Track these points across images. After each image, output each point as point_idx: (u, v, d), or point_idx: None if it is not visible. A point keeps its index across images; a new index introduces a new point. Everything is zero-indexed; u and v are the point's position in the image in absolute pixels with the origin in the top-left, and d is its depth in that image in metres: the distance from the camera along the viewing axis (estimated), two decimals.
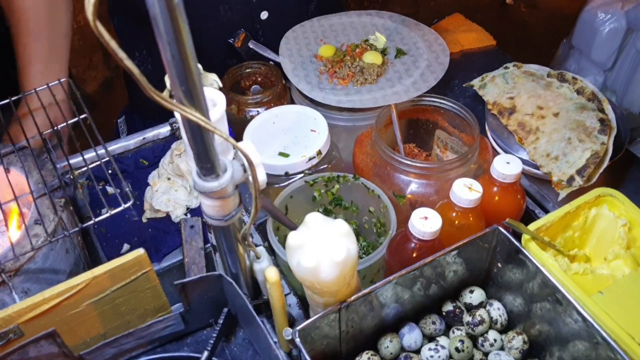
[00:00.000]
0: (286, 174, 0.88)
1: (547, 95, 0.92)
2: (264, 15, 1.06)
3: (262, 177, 0.57)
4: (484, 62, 1.05)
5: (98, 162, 0.83)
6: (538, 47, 2.25)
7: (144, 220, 0.93)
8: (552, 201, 0.89)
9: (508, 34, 2.93)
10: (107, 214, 0.75)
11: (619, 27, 1.44)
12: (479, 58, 1.14)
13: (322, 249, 0.60)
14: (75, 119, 0.86)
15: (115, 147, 1.01)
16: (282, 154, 0.88)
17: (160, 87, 1.04)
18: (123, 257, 0.69)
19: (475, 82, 1.01)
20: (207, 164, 0.53)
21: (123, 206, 0.76)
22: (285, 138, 0.90)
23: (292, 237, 0.61)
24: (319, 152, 0.88)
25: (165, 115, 1.03)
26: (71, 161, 0.85)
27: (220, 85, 0.63)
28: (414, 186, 0.85)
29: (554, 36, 2.31)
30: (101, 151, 1.01)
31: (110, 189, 0.98)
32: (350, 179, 0.87)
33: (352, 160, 0.92)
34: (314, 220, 0.64)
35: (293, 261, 0.62)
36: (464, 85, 1.04)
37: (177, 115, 0.50)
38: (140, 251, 0.70)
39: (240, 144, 0.59)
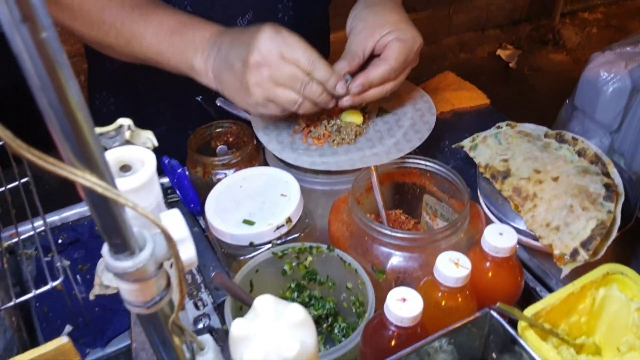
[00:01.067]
0: (251, 244, 0.78)
1: (545, 157, 0.82)
2: None
3: (187, 255, 0.47)
4: (477, 122, 0.96)
5: (31, 233, 0.73)
6: (541, 110, 2.18)
7: (92, 297, 0.83)
8: (556, 277, 0.78)
9: (511, 97, 2.89)
10: (32, 294, 0.65)
11: (624, 86, 1.37)
12: (472, 118, 1.06)
13: (271, 342, 0.50)
14: (15, 183, 0.77)
15: (69, 213, 0.92)
16: (246, 222, 0.78)
17: None
18: (43, 347, 0.58)
19: (466, 143, 0.92)
20: (115, 239, 0.43)
21: (50, 284, 0.66)
22: (252, 204, 0.81)
23: (236, 326, 0.51)
24: (289, 220, 0.78)
25: None
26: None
27: (155, 143, 0.54)
28: (395, 260, 0.74)
29: (558, 98, 2.25)
30: (52, 218, 0.93)
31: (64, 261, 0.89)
32: (324, 251, 0.77)
33: (328, 229, 0.82)
34: (264, 305, 0.53)
35: (236, 356, 0.51)
36: (453, 146, 0.95)
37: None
38: (64, 339, 0.59)
39: (164, 214, 0.49)
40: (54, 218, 0.92)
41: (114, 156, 0.52)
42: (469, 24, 3.30)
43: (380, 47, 0.85)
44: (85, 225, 0.93)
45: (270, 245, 0.79)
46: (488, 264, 0.69)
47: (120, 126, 0.53)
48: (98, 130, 0.53)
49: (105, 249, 0.45)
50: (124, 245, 0.44)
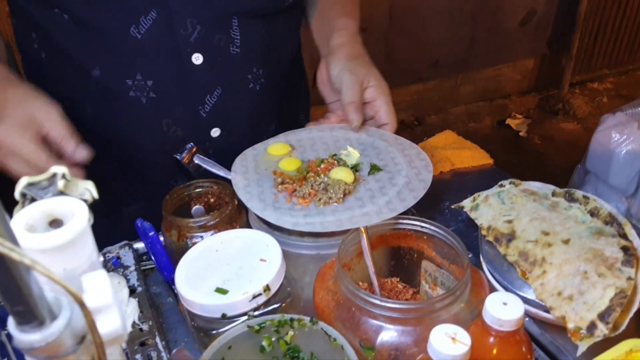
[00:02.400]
0: (224, 316, 0.69)
1: (554, 217, 0.74)
2: (215, 132, 0.94)
3: (110, 327, 0.39)
4: (480, 182, 0.89)
5: None
6: (553, 177, 2.11)
7: None
8: (572, 355, 0.67)
9: (521, 164, 2.82)
10: None
11: (637, 148, 1.29)
12: (474, 178, 0.98)
13: None
14: None
15: None
16: (219, 291, 0.70)
17: (166, 119, 0.93)
18: None
19: (466, 204, 0.84)
20: (17, 306, 0.36)
21: None
22: (228, 270, 0.73)
23: None
24: (267, 288, 0.70)
25: None
26: None
27: (95, 195, 0.47)
28: (386, 334, 0.65)
29: (570, 167, 2.17)
30: None
31: None
32: (307, 324, 0.68)
33: (313, 299, 0.73)
34: None
35: None
36: (452, 206, 0.87)
37: None
38: None
39: (86, 276, 0.41)
40: None
41: (41, 209, 0.45)
42: (477, 94, 3.29)
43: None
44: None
45: (246, 317, 0.70)
46: (491, 339, 0.60)
47: (54, 175, 0.46)
48: (28, 179, 0.47)
49: (9, 320, 0.37)
50: (29, 314, 0.36)
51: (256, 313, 0.71)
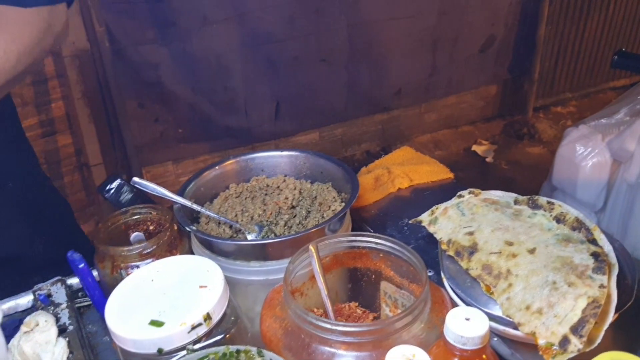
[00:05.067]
0: (160, 351, 0.62)
1: (517, 226, 0.69)
2: None
3: None
4: (440, 197, 0.83)
5: None
6: None
7: None
8: None
9: (491, 190, 2.80)
10: None
11: (603, 160, 1.26)
12: (434, 193, 0.93)
13: None
14: None
15: None
16: (154, 323, 0.62)
17: None
18: None
19: (424, 217, 0.78)
20: None
21: None
22: (164, 300, 0.65)
23: None
24: (208, 317, 0.63)
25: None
26: None
27: None
28: None
29: (538, 188, 2.15)
30: None
31: None
32: (254, 355, 0.61)
33: (260, 328, 0.66)
34: None
35: None
36: (409, 221, 0.81)
37: None
38: None
39: None
40: None
41: None
42: (441, 122, 3.29)
43: None
44: None
45: (185, 352, 0.63)
46: (456, 359, 0.53)
47: None
48: None
49: None
50: None
51: (197, 346, 0.63)
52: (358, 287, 0.77)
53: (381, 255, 0.71)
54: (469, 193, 0.76)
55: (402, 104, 3.00)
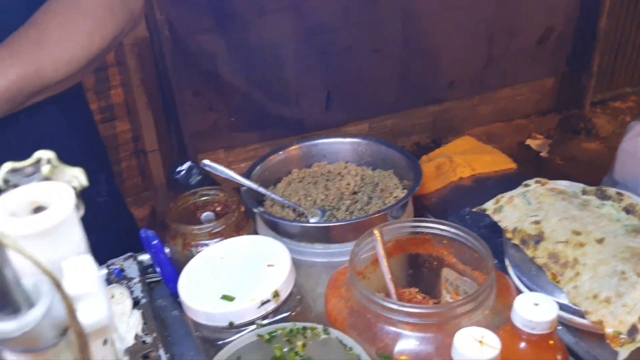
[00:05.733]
0: (231, 325, 0.64)
1: (585, 216, 0.68)
2: None
3: (94, 318, 0.34)
4: (503, 187, 0.83)
5: None
6: None
7: None
8: None
9: None
10: None
11: None
12: (496, 183, 0.93)
13: None
14: None
15: None
16: (225, 298, 0.65)
17: None
18: None
19: (488, 206, 0.78)
20: None
21: None
22: (234, 277, 0.68)
23: None
24: (276, 294, 0.65)
25: None
26: None
27: (84, 183, 0.44)
28: (405, 342, 0.60)
29: (594, 184, 2.09)
30: None
31: None
32: (320, 333, 0.63)
33: (325, 307, 0.68)
34: None
35: None
36: (473, 209, 0.82)
37: None
38: None
39: (68, 261, 0.37)
40: None
41: (24, 194, 0.41)
42: (495, 115, 3.23)
43: None
44: None
45: (254, 326, 0.65)
46: (522, 344, 0.54)
47: (38, 161, 0.43)
48: (10, 165, 0.43)
49: None
50: (2, 299, 0.32)
51: (265, 322, 0.66)
52: (419, 273, 0.78)
53: (445, 241, 0.71)
54: (536, 182, 0.76)
55: (455, 96, 2.97)
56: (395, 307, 0.60)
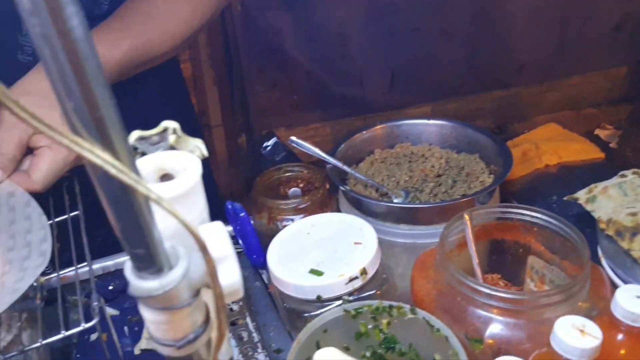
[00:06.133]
0: (318, 298, 0.66)
1: None
2: None
3: (229, 279, 0.36)
4: (591, 176, 0.81)
5: (72, 274, 0.65)
6: None
7: (137, 351, 0.73)
8: None
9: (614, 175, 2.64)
10: (60, 335, 0.56)
11: None
12: (584, 172, 0.90)
13: None
14: (65, 216, 0.70)
15: (124, 259, 0.84)
16: (314, 272, 0.67)
17: None
18: None
19: (581, 195, 0.77)
20: (138, 249, 0.33)
21: (83, 325, 0.56)
22: (321, 252, 0.69)
23: None
24: (364, 271, 0.66)
25: None
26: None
27: (205, 153, 0.45)
28: (496, 326, 0.60)
29: None
30: (106, 263, 0.85)
31: (110, 310, 0.80)
32: (406, 312, 0.63)
33: (410, 288, 0.69)
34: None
35: None
36: (564, 198, 0.80)
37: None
38: None
39: (203, 227, 0.39)
40: (108, 263, 0.84)
41: (153, 162, 0.43)
42: (563, 102, 3.12)
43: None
44: None
45: (339, 301, 0.66)
46: (620, 335, 0.53)
47: (165, 130, 0.44)
48: (138, 133, 0.45)
49: (127, 264, 0.35)
50: (149, 258, 0.34)
51: (351, 298, 0.67)
52: (502, 260, 0.77)
53: (535, 229, 0.70)
54: (633, 174, 0.74)
55: (523, 81, 2.88)
56: (488, 291, 0.59)
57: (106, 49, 0.77)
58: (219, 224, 0.39)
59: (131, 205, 0.32)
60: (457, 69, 2.85)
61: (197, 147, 0.45)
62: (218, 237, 0.37)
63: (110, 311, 0.80)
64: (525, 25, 2.72)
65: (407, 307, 0.64)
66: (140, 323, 0.78)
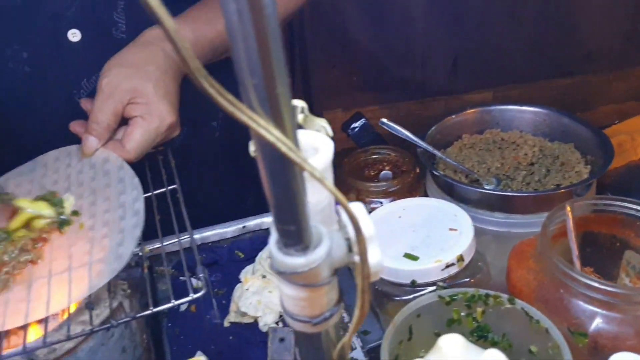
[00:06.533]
0: (413, 283, 0.66)
1: None
2: None
3: (375, 259, 0.36)
4: None
5: (175, 244, 0.67)
6: None
7: (227, 324, 0.74)
8: None
9: None
10: (170, 304, 0.57)
11: None
12: None
13: None
14: (162, 189, 0.72)
15: (210, 233, 0.86)
16: (408, 256, 0.66)
17: (42, 102, 0.79)
18: None
19: None
20: (289, 225, 0.34)
21: (191, 296, 0.58)
22: (414, 236, 0.69)
23: None
24: (461, 258, 0.65)
25: None
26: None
27: (330, 133, 0.45)
28: (602, 321, 0.58)
29: None
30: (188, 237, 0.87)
31: (196, 282, 0.82)
32: (504, 301, 0.62)
33: (506, 277, 0.68)
34: (452, 345, 0.41)
35: None
36: None
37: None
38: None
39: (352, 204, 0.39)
40: (208, 233, 0.86)
41: None
42: (630, 93, 3.01)
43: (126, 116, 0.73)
44: (224, 248, 0.86)
45: (433, 287, 0.66)
46: None
47: (293, 108, 0.44)
48: None
49: (273, 240, 0.36)
50: (297, 236, 0.34)
51: (445, 284, 0.66)
52: (596, 253, 0.75)
53: (638, 223, 0.68)
54: None
55: (590, 70, 2.78)
56: (595, 284, 0.58)
57: (201, 27, 0.78)
58: (359, 204, 0.38)
59: (290, 183, 0.32)
60: (522, 54, 2.77)
61: (322, 126, 0.45)
62: (362, 217, 0.36)
63: (197, 284, 0.82)
64: (595, 12, 2.62)
65: (504, 296, 0.63)
66: (226, 296, 0.79)
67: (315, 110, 2.47)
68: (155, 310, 0.57)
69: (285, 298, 0.38)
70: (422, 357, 0.67)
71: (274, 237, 0.36)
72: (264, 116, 0.29)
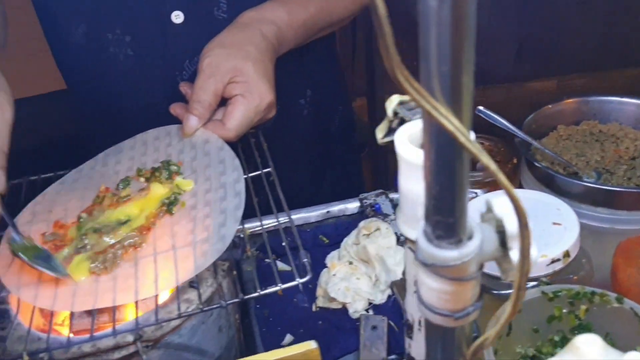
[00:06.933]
0: None
1: None
2: None
3: (533, 255, 0.35)
4: None
5: (275, 227, 0.67)
6: None
7: (315, 308, 0.74)
8: None
9: None
10: (277, 287, 0.57)
11: None
12: None
13: None
14: (257, 172, 0.71)
15: (295, 217, 0.85)
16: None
17: (145, 84, 0.82)
18: (290, 349, 0.50)
19: None
20: (448, 217, 0.33)
21: (298, 280, 0.58)
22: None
23: None
24: (567, 254, 0.63)
25: None
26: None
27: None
28: None
29: None
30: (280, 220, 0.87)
31: (281, 265, 0.82)
32: (611, 300, 0.60)
33: (611, 275, 0.65)
34: (590, 345, 0.40)
35: None
36: None
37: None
38: (312, 345, 0.50)
39: (493, 195, 0.38)
40: (307, 214, 0.87)
41: (416, 130, 0.42)
42: None
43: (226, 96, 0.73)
44: (308, 232, 0.86)
45: (534, 282, 0.64)
46: None
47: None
48: (398, 97, 0.44)
49: (421, 230, 0.35)
50: (454, 228, 0.33)
51: (547, 280, 0.65)
52: None
53: None
54: None
55: None
56: None
57: (295, 9, 0.78)
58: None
59: (459, 174, 0.31)
60: (590, 42, 2.67)
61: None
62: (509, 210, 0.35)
63: (282, 266, 0.82)
64: None
65: (612, 295, 0.60)
66: (312, 281, 0.79)
67: (379, 94, 2.44)
68: (262, 293, 0.57)
69: (427, 290, 0.37)
70: (519, 352, 0.66)
71: (422, 228, 0.35)
72: (444, 104, 0.28)
